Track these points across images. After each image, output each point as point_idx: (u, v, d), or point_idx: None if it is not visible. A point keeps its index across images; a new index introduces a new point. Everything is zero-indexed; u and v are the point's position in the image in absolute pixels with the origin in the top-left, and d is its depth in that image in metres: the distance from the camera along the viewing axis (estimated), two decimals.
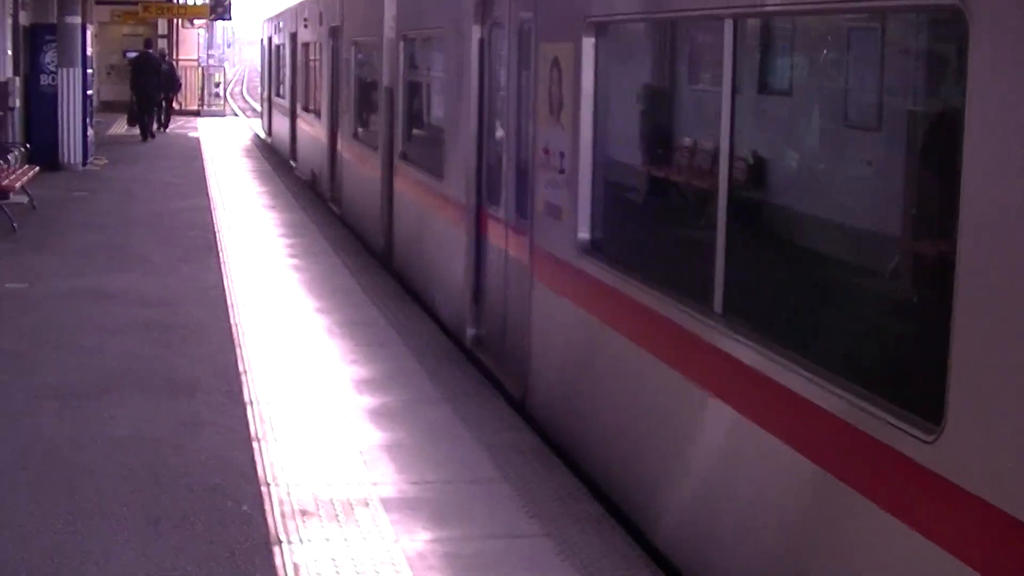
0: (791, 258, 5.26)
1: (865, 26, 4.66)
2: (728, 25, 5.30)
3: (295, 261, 14.07)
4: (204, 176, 23.19)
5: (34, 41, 23.80)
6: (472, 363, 9.49)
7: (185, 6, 38.44)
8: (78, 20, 23.52)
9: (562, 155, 7.39)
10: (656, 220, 6.87)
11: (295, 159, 24.49)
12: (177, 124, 37.93)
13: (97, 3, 39.47)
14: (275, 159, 27.19)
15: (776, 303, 5.23)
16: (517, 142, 8.55)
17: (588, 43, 7.04)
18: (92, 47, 36.38)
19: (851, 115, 4.89)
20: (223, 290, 12.26)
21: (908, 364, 4.26)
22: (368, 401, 8.56)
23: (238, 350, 9.81)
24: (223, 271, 13.28)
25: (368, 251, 14.96)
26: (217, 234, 15.92)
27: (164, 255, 14.32)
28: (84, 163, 24.00)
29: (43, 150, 23.37)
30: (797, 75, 5.36)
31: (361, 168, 15.69)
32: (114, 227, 16.43)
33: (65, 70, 23.33)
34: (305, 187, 22.14)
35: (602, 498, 6.61)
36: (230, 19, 47.11)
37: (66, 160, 23.46)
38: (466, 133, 9.79)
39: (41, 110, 23.61)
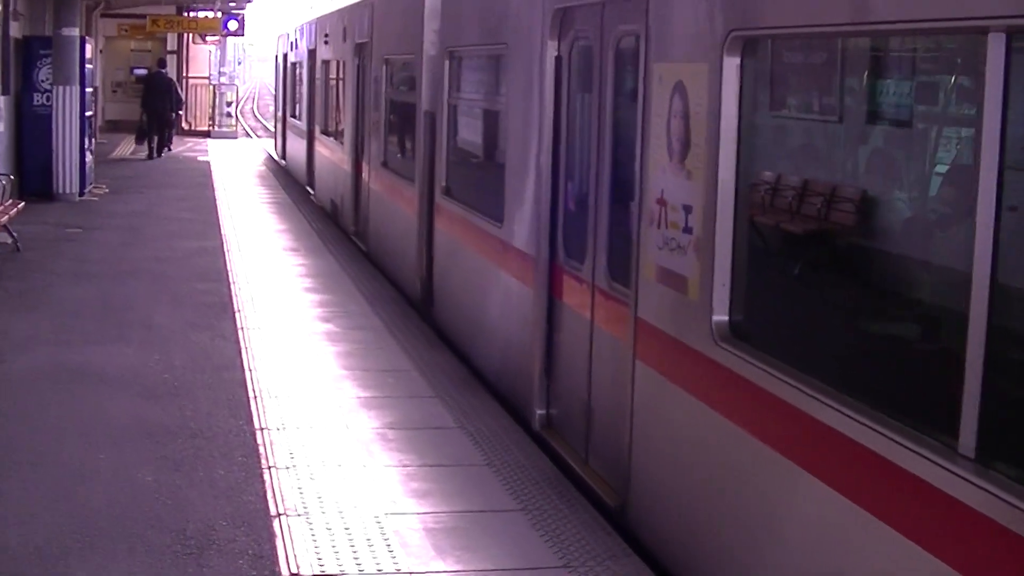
0: None
1: None
2: (996, 41, 3.78)
3: (328, 327, 11.53)
4: (215, 208, 20.67)
5: (27, 56, 21.30)
6: (540, 446, 7.95)
7: (196, 20, 35.91)
8: (76, 33, 20.98)
9: (687, 209, 5.80)
10: (843, 305, 5.21)
11: (312, 186, 22.72)
12: (186, 146, 35.52)
13: (102, 16, 37.09)
14: (293, 187, 24.72)
15: None
16: (612, 187, 7.04)
17: (731, 64, 5.42)
18: (94, 63, 34.09)
19: None
20: (242, 371, 9.72)
21: None
22: (433, 519, 6.71)
23: (267, 479, 7.25)
24: (241, 342, 10.74)
25: (399, 293, 13.25)
26: (232, 287, 13.38)
27: (169, 317, 11.77)
28: (81, 192, 21.49)
29: (34, 178, 21.04)
30: None
31: (393, 202, 13.93)
32: (110, 277, 13.89)
33: (61, 88, 20.81)
34: (325, 218, 19.82)
35: None
36: (243, 35, 44.69)
37: (60, 190, 20.95)
38: (537, 170, 8.14)
39: (33, 133, 21.13)
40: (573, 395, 7.64)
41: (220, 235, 17.47)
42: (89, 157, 22.54)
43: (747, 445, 5.22)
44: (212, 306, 12.37)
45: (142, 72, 38.20)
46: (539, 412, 8.15)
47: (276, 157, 31.52)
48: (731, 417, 5.40)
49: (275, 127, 35.10)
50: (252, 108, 70.76)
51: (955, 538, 3.85)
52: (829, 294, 5.39)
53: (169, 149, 32.55)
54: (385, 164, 14.67)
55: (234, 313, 12.02)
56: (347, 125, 17.72)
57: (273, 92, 41.25)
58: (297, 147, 25.44)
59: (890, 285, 4.95)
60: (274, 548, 6.22)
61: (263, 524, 6.54)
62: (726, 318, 5.53)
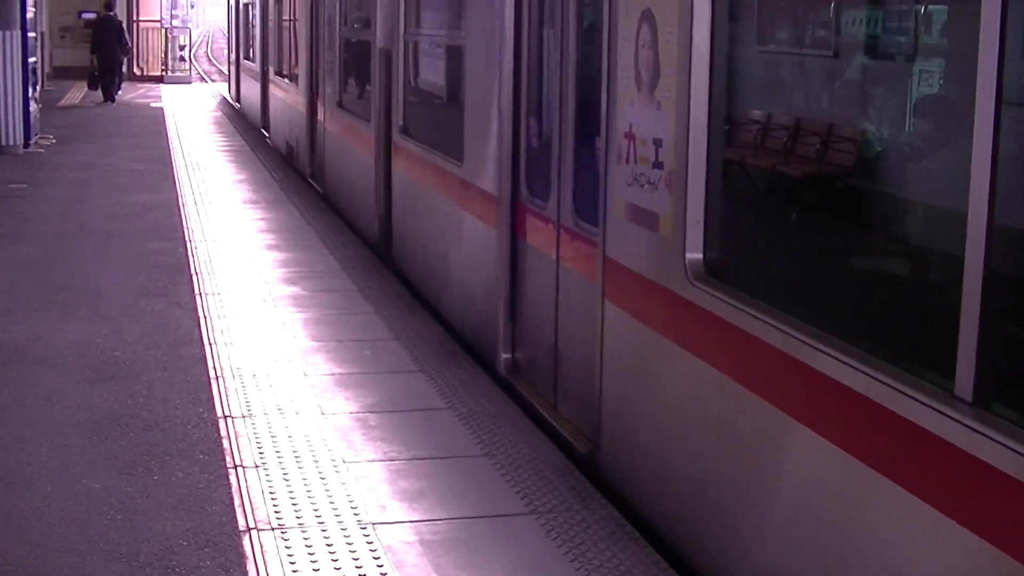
0: None
1: None
2: None
3: (294, 290, 10.51)
4: (170, 158, 19.51)
5: None
6: (507, 391, 7.69)
7: None
8: None
9: (658, 143, 5.50)
10: (828, 244, 5.01)
11: (267, 128, 22.15)
12: (138, 92, 34.22)
13: None
14: (249, 133, 23.57)
15: None
16: (577, 122, 6.72)
17: None
18: (39, 6, 32.62)
19: None
20: (201, 346, 8.69)
21: None
22: (397, 465, 6.07)
23: (233, 482, 6.24)
24: (200, 311, 9.69)
25: (358, 237, 12.91)
26: (189, 245, 12.30)
27: (120, 283, 10.69)
28: (26, 144, 20.24)
29: None
30: None
31: (349, 143, 13.60)
32: (55, 238, 12.77)
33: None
34: (283, 165, 18.78)
35: None
36: None
37: (3, 142, 19.70)
38: (498, 105, 7.77)
39: None
40: (540, 338, 7.38)
41: (175, 187, 16.34)
42: (34, 107, 21.26)
43: (723, 387, 4.98)
44: (167, 268, 11.29)
45: (90, 16, 36.76)
46: (504, 356, 7.88)
47: (230, 100, 30.94)
48: (706, 358, 5.14)
49: (228, 70, 34.42)
50: (206, 52, 69.28)
51: (951, 485, 3.61)
52: (815, 232, 5.15)
53: (118, 93, 31.88)
54: (340, 104, 14.28)
55: (191, 276, 10.96)
56: (301, 66, 17.24)
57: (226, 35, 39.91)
58: (251, 89, 24.88)
59: (879, 223, 4.75)
60: (245, 574, 5.21)
61: (231, 542, 5.53)
62: (700, 256, 5.25)
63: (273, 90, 21.31)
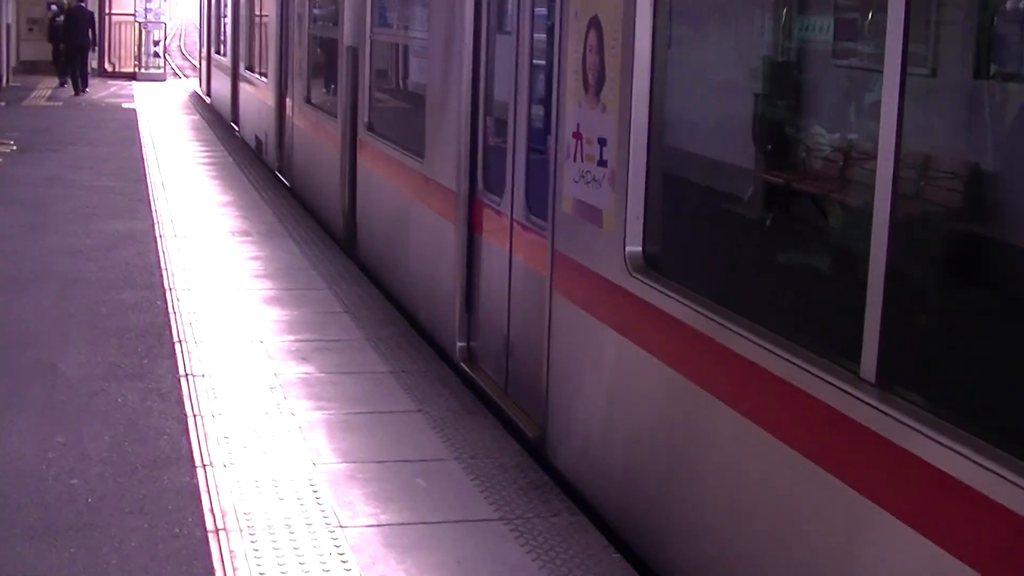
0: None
1: None
2: None
3: (308, 370, 8.21)
4: (144, 171, 17.15)
5: None
6: (463, 380, 8.01)
7: None
8: None
9: (602, 142, 5.77)
10: (754, 236, 5.37)
11: (237, 122, 22.31)
12: (109, 91, 31.82)
13: None
14: (233, 140, 21.25)
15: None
16: (529, 119, 7.11)
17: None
18: None
19: None
20: (191, 469, 6.37)
21: None
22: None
23: None
24: (187, 405, 7.38)
25: (325, 231, 12.98)
26: (169, 297, 9.97)
27: (83, 357, 8.36)
28: None
29: None
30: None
31: (316, 138, 13.85)
32: (5, 284, 10.39)
33: None
34: (277, 184, 16.50)
35: None
36: None
37: None
38: (457, 105, 8.12)
39: None
40: (493, 328, 7.70)
41: (151, 211, 13.98)
42: None
43: (659, 373, 5.27)
44: (143, 332, 8.95)
45: (69, 7, 34.41)
46: (460, 345, 8.20)
47: (201, 94, 30.93)
48: (644, 346, 5.44)
49: (200, 64, 34.61)
50: (179, 46, 66.84)
51: (858, 461, 3.90)
52: (742, 226, 5.50)
53: (86, 90, 30.64)
54: (308, 100, 14.48)
55: (173, 345, 8.62)
56: (271, 61, 17.35)
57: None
58: (222, 84, 24.93)
59: (800, 216, 5.15)
60: None
61: None
62: (640, 249, 5.58)
63: (243, 85, 21.24)
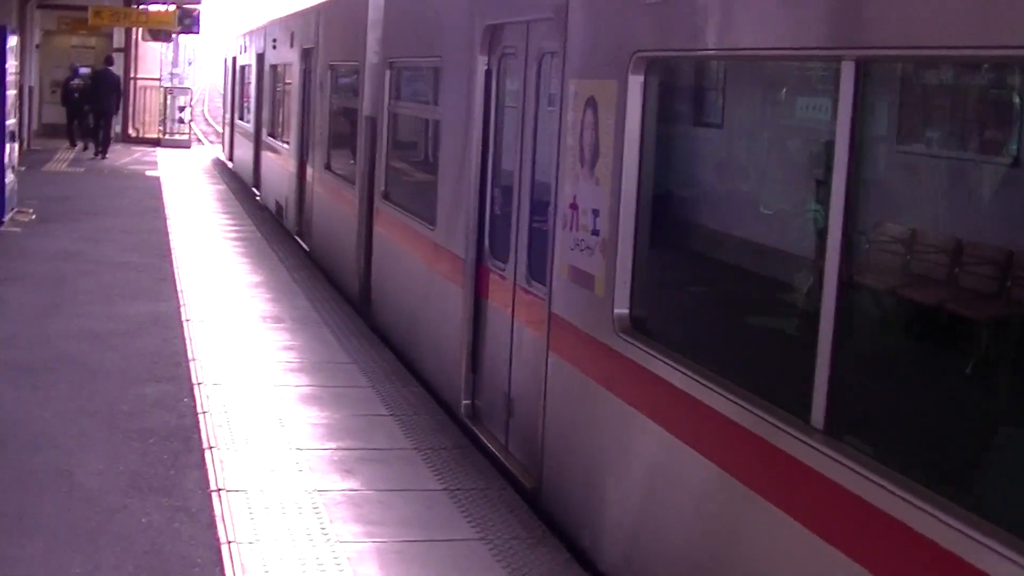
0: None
1: None
2: (848, 68, 4.28)
3: (352, 486, 7.33)
4: (168, 246, 16.34)
5: None
6: (467, 435, 8.33)
7: (146, 13, 31.31)
8: None
9: (595, 213, 6.27)
10: (723, 302, 5.88)
11: (258, 187, 22.87)
12: (132, 157, 31.13)
13: (39, 7, 32.56)
14: (260, 212, 20.56)
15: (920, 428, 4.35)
16: (532, 192, 7.49)
17: (636, 81, 5.89)
18: (27, 59, 29.58)
19: None
20: None
21: None
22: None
23: None
24: (221, 530, 6.50)
25: (340, 293, 13.44)
26: (197, 393, 9.12)
27: (101, 466, 7.51)
28: (0, 221, 17.09)
29: None
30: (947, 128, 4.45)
31: (335, 204, 14.32)
32: (14, 373, 9.56)
33: None
34: (305, 261, 15.74)
35: None
36: (199, 33, 40.32)
37: None
38: (467, 176, 8.55)
39: None
40: (496, 386, 8.06)
41: (175, 291, 13.15)
42: (10, 176, 18.12)
43: (639, 423, 5.69)
44: (169, 436, 8.09)
45: (85, 71, 33.92)
46: (465, 402, 8.59)
47: (224, 159, 31.25)
48: (626, 399, 5.85)
49: (223, 129, 35.14)
50: (203, 111, 66.49)
51: (808, 500, 4.31)
52: (713, 291, 6.02)
53: (106, 156, 30.33)
54: (328, 167, 14.84)
55: (203, 453, 7.76)
56: (293, 128, 17.84)
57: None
58: (244, 149, 25.52)
59: (761, 282, 5.48)
60: None
61: None
62: (627, 311, 5.98)
63: (265, 151, 21.78)
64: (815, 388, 4.36)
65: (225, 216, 20.10)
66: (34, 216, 18.61)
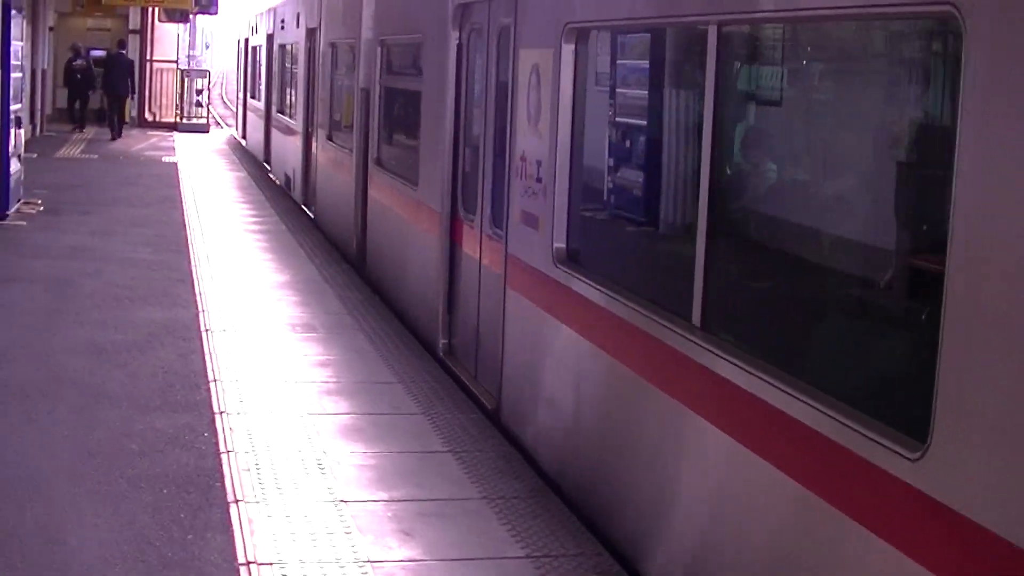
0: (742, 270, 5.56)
1: None
2: (712, 31, 5.23)
3: (414, 555, 5.86)
4: (185, 239, 14.94)
5: None
6: (446, 372, 9.23)
7: None
8: None
9: (539, 163, 7.24)
10: (630, 232, 6.95)
11: (269, 162, 23.83)
12: (149, 143, 29.80)
13: None
14: (286, 203, 19.15)
15: (753, 317, 5.37)
16: (494, 150, 8.39)
17: (568, 50, 6.85)
18: (39, 40, 28.19)
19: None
20: None
21: None
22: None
23: None
24: None
25: (340, 254, 14.40)
26: (220, 425, 7.71)
27: (102, 527, 6.10)
28: (3, 214, 15.69)
29: None
30: (784, 83, 5.36)
31: (335, 172, 15.35)
32: (5, 405, 8.12)
33: None
34: (338, 257, 14.46)
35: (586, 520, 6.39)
36: (216, 13, 38.90)
37: None
38: (442, 140, 9.58)
39: None
40: (467, 324, 9.05)
41: (194, 293, 11.74)
42: (16, 165, 16.72)
43: (574, 342, 6.67)
44: (186, 484, 6.68)
45: (100, 54, 32.68)
46: (443, 341, 9.56)
47: (237, 138, 31.99)
48: (565, 321, 6.82)
49: (236, 108, 36.51)
50: (221, 94, 65.06)
51: (687, 384, 5.27)
52: (629, 223, 7.02)
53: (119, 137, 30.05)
54: (330, 138, 15.91)
55: (228, 509, 6.33)
56: (299, 104, 18.92)
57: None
58: (256, 127, 26.57)
59: (663, 215, 6.44)
60: None
61: None
62: (564, 245, 6.93)
63: (275, 126, 22.87)
64: (693, 295, 5.29)
65: (246, 206, 18.70)
66: (42, 208, 17.23)
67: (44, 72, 30.46)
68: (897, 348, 4.34)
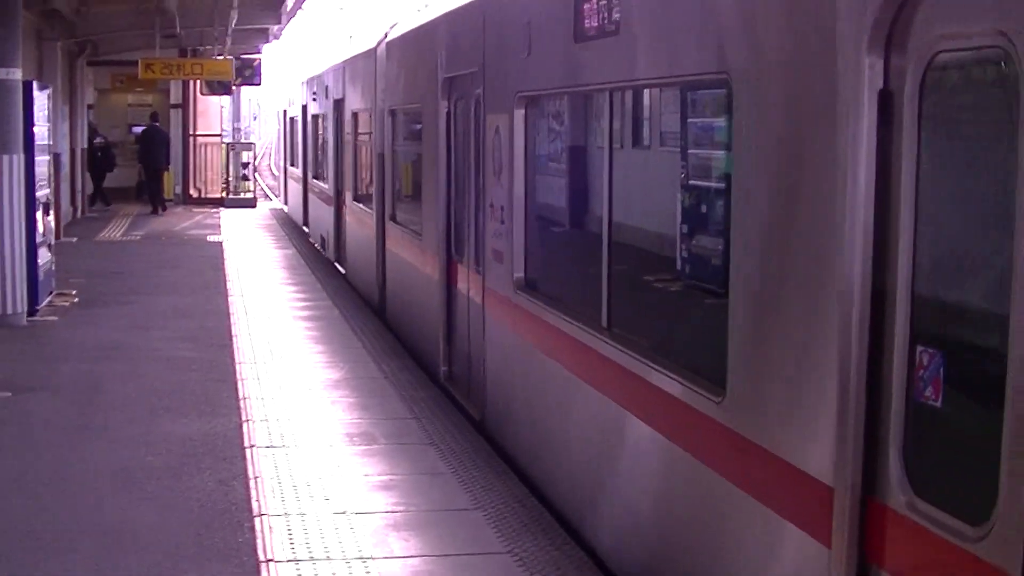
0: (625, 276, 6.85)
1: None
2: (605, 96, 6.80)
3: None
4: (229, 333, 13.64)
5: None
6: (446, 396, 10.56)
7: (201, 63, 28.80)
8: (18, 75, 13.98)
9: (503, 208, 8.63)
10: (564, 259, 8.16)
11: (307, 224, 25.25)
12: (194, 220, 28.73)
13: (90, 63, 30.28)
14: (337, 282, 17.90)
15: (639, 317, 6.66)
16: (475, 200, 9.66)
17: (519, 114, 8.33)
18: (77, 119, 27.23)
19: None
20: None
21: None
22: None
23: None
24: None
25: (364, 302, 15.87)
26: None
27: None
28: (33, 310, 14.48)
29: None
30: (650, 132, 6.90)
31: (361, 230, 16.62)
32: (11, 557, 6.79)
33: None
34: (363, 307, 13.40)
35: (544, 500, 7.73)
36: (260, 84, 38.04)
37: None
38: (439, 194, 11.00)
39: None
40: (462, 351, 10.45)
41: (238, 399, 10.43)
42: (46, 255, 15.54)
43: (529, 351, 8.16)
44: None
45: (139, 129, 31.87)
46: (443, 368, 11.05)
47: (280, 204, 33.74)
48: (522, 335, 8.30)
49: (279, 177, 39.37)
50: (269, 164, 64.29)
51: (597, 372, 6.73)
52: (562, 254, 8.24)
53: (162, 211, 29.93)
54: (356, 199, 17.29)
55: None
56: (329, 168, 20.42)
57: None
58: (295, 192, 28.08)
59: (585, 247, 7.23)
60: None
61: None
62: (522, 275, 8.39)
63: (311, 191, 24.25)
64: (603, 305, 6.78)
65: (295, 288, 17.44)
66: (76, 299, 16.05)
67: (83, 152, 29.51)
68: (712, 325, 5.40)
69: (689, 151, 6.01)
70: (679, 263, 6.11)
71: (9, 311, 13.93)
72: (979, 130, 3.72)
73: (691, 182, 5.98)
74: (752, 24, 4.81)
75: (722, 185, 5.36)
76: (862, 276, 4.00)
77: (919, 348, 3.81)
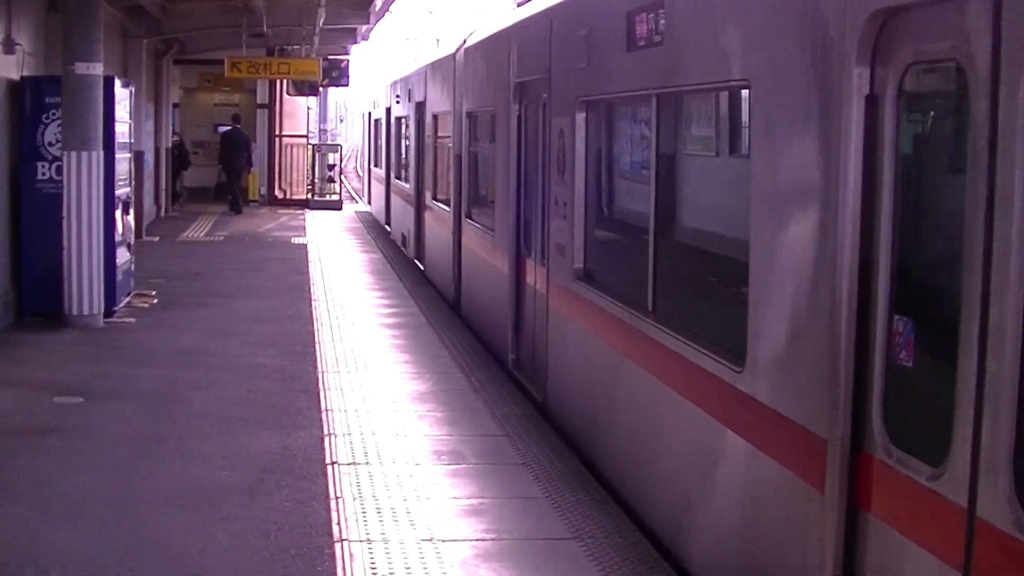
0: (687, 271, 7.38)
1: None
2: (653, 100, 7.34)
3: None
4: (312, 340, 13.06)
5: (31, 105, 13.94)
6: (513, 382, 11.11)
7: (288, 62, 28.35)
8: (99, 70, 13.51)
9: (565, 204, 9.30)
10: (620, 252, 8.79)
11: (389, 224, 25.87)
12: (279, 221, 28.31)
13: (176, 62, 30.00)
14: (426, 290, 17.32)
15: (685, 303, 7.16)
16: (542, 198, 10.29)
17: (580, 117, 8.94)
18: (157, 117, 26.91)
19: None
20: None
21: None
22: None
23: None
24: None
25: (441, 297, 16.51)
26: None
27: None
28: (109, 312, 14.01)
29: (37, 291, 13.74)
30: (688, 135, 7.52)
31: (439, 228, 17.29)
32: None
33: (74, 155, 13.37)
34: (450, 313, 12.90)
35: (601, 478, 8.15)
36: (347, 85, 37.66)
37: (73, 309, 13.49)
38: (509, 193, 11.62)
39: (35, 223, 13.84)
40: (528, 339, 11.02)
41: (320, 411, 9.85)
42: (125, 255, 15.09)
43: (588, 339, 8.68)
44: None
45: (226, 129, 31.55)
46: (511, 356, 11.58)
47: (364, 206, 34.19)
48: (582, 324, 8.85)
49: (363, 176, 40.81)
50: (355, 167, 64.04)
51: (646, 353, 7.20)
52: (618, 245, 8.89)
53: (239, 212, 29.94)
54: (435, 198, 17.83)
55: None
56: (411, 168, 21.00)
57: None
58: (379, 193, 28.58)
59: (637, 241, 7.85)
60: None
61: None
62: (582, 266, 8.97)
63: (393, 191, 24.96)
64: (648, 291, 7.35)
65: (380, 293, 16.86)
66: (155, 300, 15.58)
67: (168, 151, 29.21)
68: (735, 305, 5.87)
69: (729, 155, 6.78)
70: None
71: (85, 311, 13.48)
72: (941, 127, 4.41)
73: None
74: (767, 40, 5.53)
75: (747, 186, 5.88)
76: (851, 255, 4.57)
77: (896, 317, 4.40)
